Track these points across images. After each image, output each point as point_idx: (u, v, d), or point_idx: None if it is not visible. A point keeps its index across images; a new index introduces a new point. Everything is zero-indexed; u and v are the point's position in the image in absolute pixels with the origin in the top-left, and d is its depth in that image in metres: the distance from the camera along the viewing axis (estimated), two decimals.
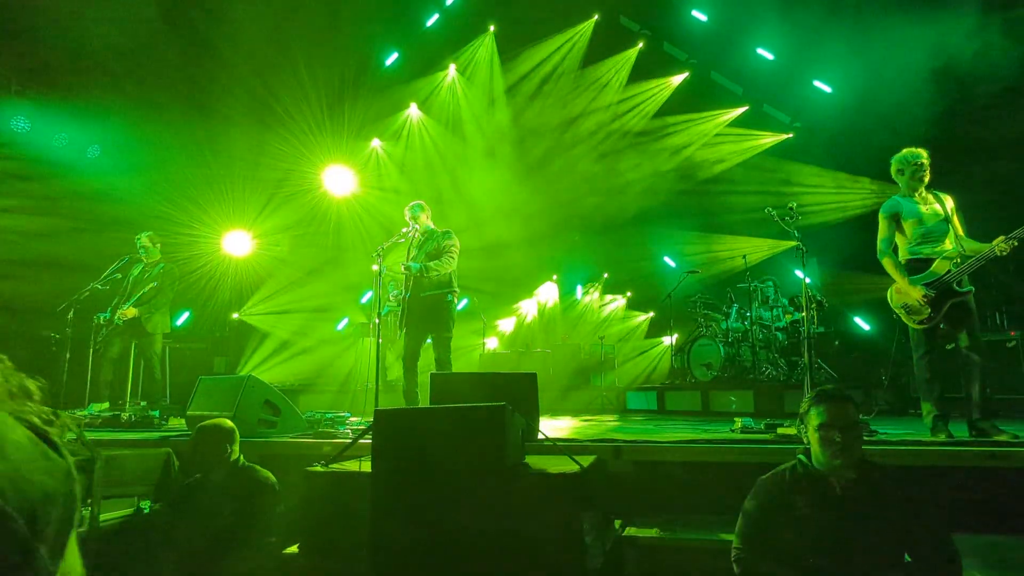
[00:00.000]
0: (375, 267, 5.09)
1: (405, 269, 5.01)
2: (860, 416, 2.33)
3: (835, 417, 2.19)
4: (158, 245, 6.36)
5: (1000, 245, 3.60)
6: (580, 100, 10.27)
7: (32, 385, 0.79)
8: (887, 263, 3.99)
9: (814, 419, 2.24)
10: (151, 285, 6.09)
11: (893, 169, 4.10)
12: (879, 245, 4.04)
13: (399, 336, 5.32)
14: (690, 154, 10.31)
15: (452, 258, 5.14)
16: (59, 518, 0.66)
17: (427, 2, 9.98)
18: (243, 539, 3.02)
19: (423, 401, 5.09)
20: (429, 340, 5.21)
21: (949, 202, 3.97)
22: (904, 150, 4.03)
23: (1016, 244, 3.59)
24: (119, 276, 6.19)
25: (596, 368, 9.04)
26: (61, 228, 7.92)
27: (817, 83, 8.95)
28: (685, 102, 10.08)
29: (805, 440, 2.32)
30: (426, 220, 5.35)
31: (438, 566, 2.44)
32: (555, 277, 11.73)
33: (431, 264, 5.02)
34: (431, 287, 5.08)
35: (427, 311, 5.08)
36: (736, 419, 4.31)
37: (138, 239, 6.27)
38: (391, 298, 5.32)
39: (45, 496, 0.65)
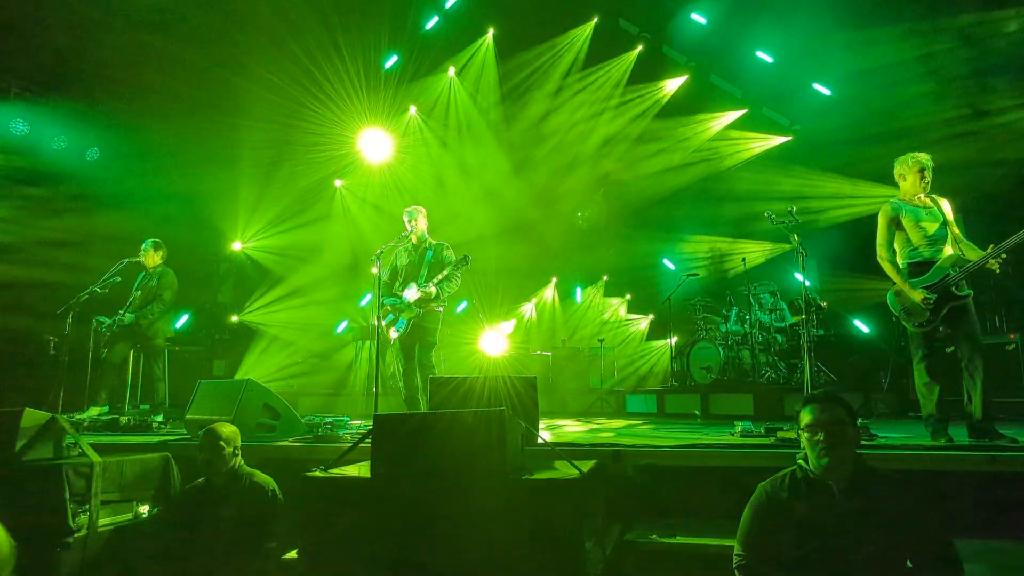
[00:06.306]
0: (374, 270, 5.10)
1: (424, 293, 5.14)
2: (858, 419, 2.32)
3: (819, 417, 2.21)
4: (160, 251, 6.36)
5: (992, 261, 3.60)
6: (579, 103, 10.28)
7: None
8: (886, 266, 3.99)
9: (802, 421, 2.28)
10: (146, 289, 6.12)
11: (896, 171, 4.07)
12: (878, 248, 4.03)
13: (392, 343, 5.43)
14: (689, 157, 10.32)
15: (459, 278, 5.32)
16: None
17: (426, 5, 9.99)
18: (243, 545, 3.01)
19: (423, 406, 5.10)
20: (416, 345, 5.31)
21: (948, 206, 3.97)
22: (909, 153, 4.00)
23: (1004, 258, 3.59)
24: (118, 279, 6.18)
25: (596, 371, 9.04)
26: (60, 231, 7.91)
27: (816, 86, 8.96)
28: (685, 105, 10.09)
29: (802, 444, 2.33)
30: (423, 226, 5.44)
31: (438, 572, 2.43)
32: (555, 280, 11.73)
33: (442, 285, 5.20)
34: (429, 302, 5.22)
35: (417, 322, 5.24)
36: (736, 423, 4.30)
37: (143, 246, 6.29)
38: (387, 305, 5.37)
39: None
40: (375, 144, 9.73)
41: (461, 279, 5.37)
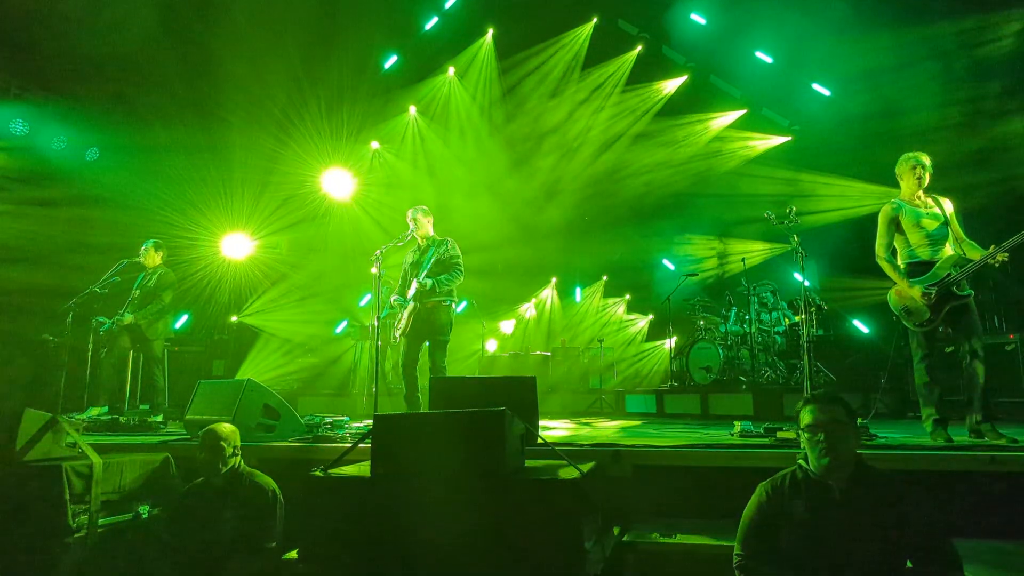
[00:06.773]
0: (374, 270, 5.09)
1: (420, 285, 5.05)
2: (857, 419, 2.32)
3: (819, 417, 2.22)
4: (160, 252, 6.36)
5: (996, 258, 3.61)
6: (579, 103, 10.28)
7: None
8: (884, 265, 4.00)
9: (802, 422, 2.28)
10: (144, 290, 6.13)
11: (896, 171, 4.12)
12: (878, 248, 4.04)
13: (396, 341, 5.36)
14: (688, 157, 10.33)
15: (460, 271, 5.25)
16: None
17: (426, 6, 9.99)
18: (242, 545, 3.01)
19: (424, 406, 5.09)
20: (427, 344, 5.23)
21: (948, 206, 3.98)
22: (907, 153, 4.05)
23: (1007, 257, 3.60)
24: (118, 279, 6.18)
25: (595, 371, 9.04)
26: (59, 231, 7.92)
27: (816, 86, 8.96)
28: (684, 105, 10.10)
29: (802, 445, 2.33)
30: (428, 225, 5.38)
31: (437, 572, 2.43)
32: (554, 280, 11.73)
33: (442, 278, 5.12)
34: (431, 296, 5.12)
35: (426, 318, 5.14)
36: (735, 423, 4.30)
37: (144, 246, 6.29)
38: (392, 302, 5.33)
39: None
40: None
41: (463, 272, 5.28)
